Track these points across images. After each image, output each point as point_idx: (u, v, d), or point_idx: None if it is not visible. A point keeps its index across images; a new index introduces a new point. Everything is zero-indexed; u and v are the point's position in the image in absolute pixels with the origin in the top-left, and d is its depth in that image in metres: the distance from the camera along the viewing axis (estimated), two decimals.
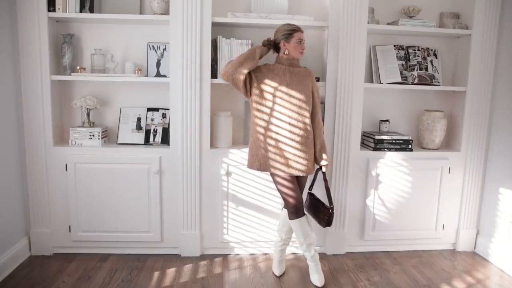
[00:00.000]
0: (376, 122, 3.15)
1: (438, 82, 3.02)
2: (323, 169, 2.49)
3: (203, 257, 2.87)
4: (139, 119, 2.90)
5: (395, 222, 3.00)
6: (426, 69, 3.02)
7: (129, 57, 2.92)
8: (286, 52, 2.43)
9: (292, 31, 2.40)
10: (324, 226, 2.47)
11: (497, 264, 2.86)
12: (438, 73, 3.04)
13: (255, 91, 2.42)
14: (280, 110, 2.38)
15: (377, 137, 2.92)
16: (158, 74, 2.86)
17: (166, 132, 2.88)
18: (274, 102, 2.39)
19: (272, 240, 2.90)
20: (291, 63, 2.46)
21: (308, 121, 2.42)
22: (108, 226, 2.81)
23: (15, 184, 2.69)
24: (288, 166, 2.40)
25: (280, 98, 2.39)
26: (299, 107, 2.40)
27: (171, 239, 2.87)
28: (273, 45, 2.48)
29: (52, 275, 2.55)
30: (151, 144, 2.87)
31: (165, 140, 2.87)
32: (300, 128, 2.40)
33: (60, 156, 2.74)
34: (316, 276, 2.50)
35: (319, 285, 2.48)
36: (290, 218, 2.46)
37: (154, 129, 2.90)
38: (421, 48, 3.06)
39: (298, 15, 2.80)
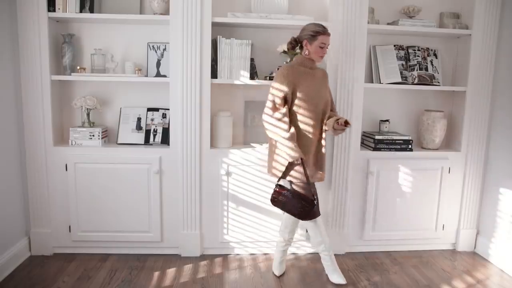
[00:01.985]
0: (376, 122, 3.15)
1: (438, 82, 3.02)
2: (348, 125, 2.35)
3: (203, 257, 2.87)
4: (139, 119, 2.90)
5: (395, 222, 3.00)
6: (426, 69, 3.02)
7: (129, 57, 2.92)
8: (307, 52, 2.37)
9: (317, 33, 2.31)
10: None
11: (497, 264, 2.86)
12: (438, 73, 3.04)
13: (295, 100, 2.35)
14: (310, 116, 2.36)
15: (377, 137, 2.92)
16: (158, 74, 2.86)
17: (166, 132, 2.88)
18: (305, 108, 2.35)
19: (272, 240, 2.90)
20: (312, 65, 2.41)
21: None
22: (108, 226, 2.81)
23: (15, 184, 2.69)
24: (322, 172, 2.47)
25: (309, 102, 2.35)
26: (323, 111, 2.41)
27: (171, 239, 2.87)
28: (297, 43, 2.41)
29: (52, 275, 2.55)
30: (151, 144, 2.87)
31: (165, 140, 2.87)
32: (324, 131, 2.43)
33: (60, 156, 2.74)
34: (337, 274, 2.54)
35: (343, 282, 2.52)
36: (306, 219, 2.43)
37: (154, 129, 2.90)
38: (421, 48, 3.06)
39: (298, 15, 2.80)
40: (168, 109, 2.88)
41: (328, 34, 2.34)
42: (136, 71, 2.77)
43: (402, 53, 3.03)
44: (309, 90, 2.34)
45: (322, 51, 2.34)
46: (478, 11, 2.86)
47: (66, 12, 2.65)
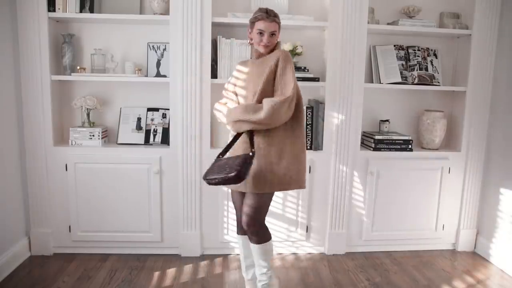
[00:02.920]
0: (376, 122, 3.15)
1: (438, 82, 3.02)
2: None
3: (203, 257, 2.87)
4: (139, 119, 2.90)
5: (395, 222, 3.00)
6: (426, 69, 3.02)
7: (129, 57, 2.92)
8: (249, 41, 2.14)
9: (255, 19, 2.06)
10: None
11: (498, 264, 2.85)
12: (438, 73, 3.04)
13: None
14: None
15: (377, 137, 2.92)
16: (158, 74, 2.86)
17: (166, 132, 2.88)
18: (238, 103, 2.13)
19: (272, 240, 2.89)
20: (259, 55, 2.12)
21: None
22: (108, 226, 2.81)
23: (15, 184, 2.69)
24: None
25: (240, 96, 2.12)
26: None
27: (171, 239, 2.87)
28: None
29: (52, 275, 2.55)
30: (151, 144, 2.87)
31: (165, 140, 2.87)
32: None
33: (60, 156, 2.74)
34: None
35: None
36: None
37: (154, 129, 2.90)
38: (421, 48, 3.06)
39: (298, 15, 2.80)
40: (168, 109, 2.88)
41: (268, 20, 2.03)
42: (136, 71, 2.77)
43: (402, 53, 3.03)
44: (242, 84, 2.13)
45: (260, 38, 2.04)
46: (478, 11, 2.86)
47: (66, 12, 2.65)
